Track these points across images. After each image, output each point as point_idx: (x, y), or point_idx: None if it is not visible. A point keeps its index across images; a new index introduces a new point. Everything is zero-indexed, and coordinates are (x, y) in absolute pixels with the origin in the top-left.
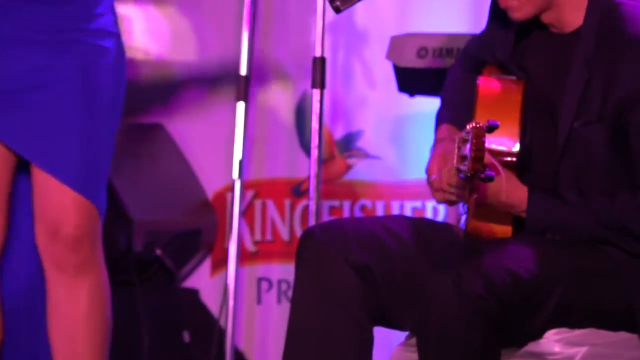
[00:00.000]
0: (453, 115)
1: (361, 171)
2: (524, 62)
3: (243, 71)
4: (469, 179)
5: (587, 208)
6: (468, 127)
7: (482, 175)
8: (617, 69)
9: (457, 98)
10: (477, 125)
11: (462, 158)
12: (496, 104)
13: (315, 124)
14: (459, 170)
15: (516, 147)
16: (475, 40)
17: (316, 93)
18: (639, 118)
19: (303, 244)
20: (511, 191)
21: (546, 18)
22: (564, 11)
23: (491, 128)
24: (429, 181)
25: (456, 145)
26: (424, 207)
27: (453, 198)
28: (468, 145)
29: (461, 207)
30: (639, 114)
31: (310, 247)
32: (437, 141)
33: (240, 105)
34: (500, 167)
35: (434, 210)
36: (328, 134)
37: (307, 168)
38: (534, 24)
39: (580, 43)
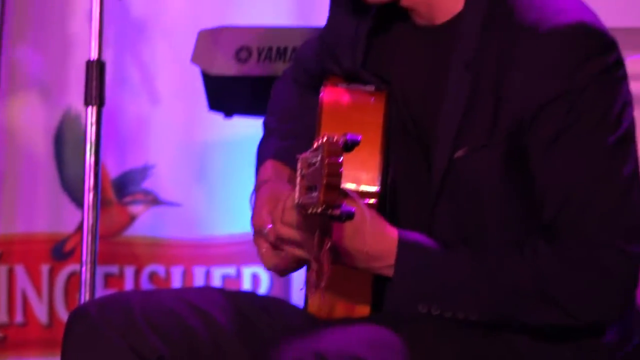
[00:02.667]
0: (282, 147)
1: (150, 224)
2: (383, 69)
3: None
4: (318, 218)
5: (485, 264)
6: (316, 143)
7: (338, 212)
8: (510, 74)
9: (288, 125)
10: (332, 140)
11: (309, 189)
12: (349, 124)
13: (91, 157)
14: (303, 207)
15: (376, 185)
16: (311, 45)
17: (92, 112)
18: (545, 133)
19: (72, 329)
20: (376, 236)
21: (409, 0)
22: None
23: (350, 144)
24: (260, 236)
25: (298, 172)
26: (239, 275)
27: (294, 252)
28: (318, 168)
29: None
30: (540, 129)
31: (82, 332)
32: (259, 183)
33: None
34: (361, 202)
35: (254, 279)
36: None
37: (72, 219)
38: (394, 15)
39: (461, 39)
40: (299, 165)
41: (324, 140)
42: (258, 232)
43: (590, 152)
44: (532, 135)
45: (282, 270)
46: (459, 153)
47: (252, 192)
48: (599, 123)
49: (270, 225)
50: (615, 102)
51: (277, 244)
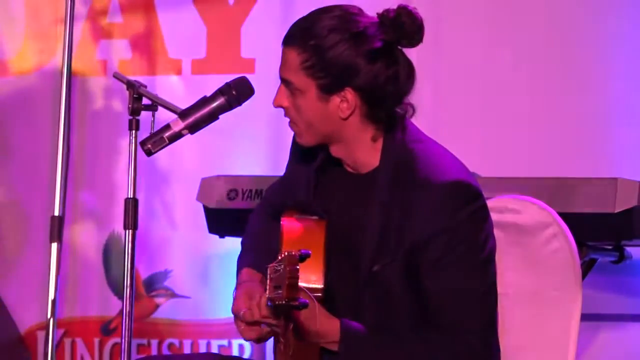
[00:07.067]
0: (254, 259)
1: (168, 310)
2: (325, 202)
3: (57, 212)
4: (283, 308)
5: (399, 340)
6: (280, 256)
7: (297, 303)
8: (410, 212)
9: (257, 244)
10: (291, 254)
11: (275, 288)
12: (300, 243)
13: (128, 264)
14: (272, 300)
15: (321, 284)
16: (275, 187)
17: (129, 234)
18: (432, 256)
19: None
20: (323, 320)
21: (336, 152)
22: (357, 152)
23: (303, 257)
24: (238, 319)
25: (268, 275)
26: (230, 345)
27: (266, 330)
28: (282, 273)
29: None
30: (429, 253)
31: None
32: (239, 284)
33: (54, 247)
34: (312, 296)
35: (240, 348)
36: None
37: (115, 306)
38: (332, 164)
39: (377, 186)
40: (268, 272)
41: (285, 254)
42: (236, 315)
43: (463, 270)
44: (423, 257)
45: (256, 341)
46: (376, 268)
47: (234, 289)
48: (469, 250)
49: (244, 310)
50: (480, 235)
51: (250, 324)
